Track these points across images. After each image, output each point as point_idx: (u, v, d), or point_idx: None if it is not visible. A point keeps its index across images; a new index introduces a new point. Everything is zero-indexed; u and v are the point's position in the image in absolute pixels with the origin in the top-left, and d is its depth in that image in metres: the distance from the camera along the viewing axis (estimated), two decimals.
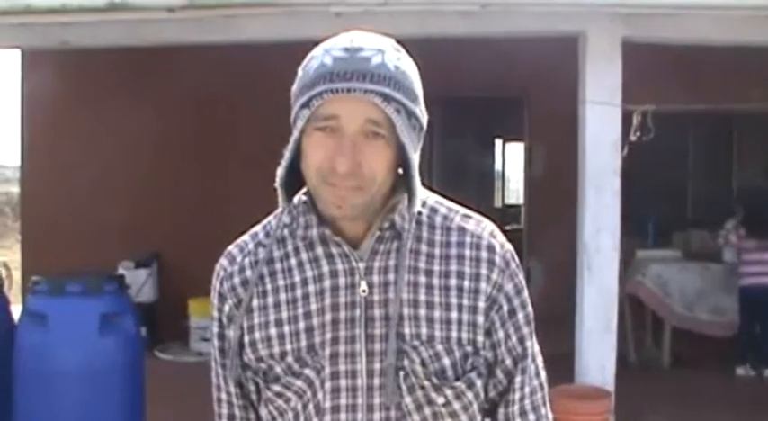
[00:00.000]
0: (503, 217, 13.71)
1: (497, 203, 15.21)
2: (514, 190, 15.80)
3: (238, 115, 8.94)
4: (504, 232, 1.78)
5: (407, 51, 1.60)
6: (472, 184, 12.79)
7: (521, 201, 11.89)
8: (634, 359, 8.23)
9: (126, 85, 8.99)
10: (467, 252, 1.65)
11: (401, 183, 1.62)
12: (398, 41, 1.60)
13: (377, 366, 1.60)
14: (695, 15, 5.58)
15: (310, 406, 1.62)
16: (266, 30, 5.57)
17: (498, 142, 14.47)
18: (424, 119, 1.60)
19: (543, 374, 1.73)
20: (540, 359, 1.73)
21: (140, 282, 8.50)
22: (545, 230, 8.86)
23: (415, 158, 1.56)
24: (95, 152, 9.10)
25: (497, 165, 14.91)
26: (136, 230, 8.92)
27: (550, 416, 1.74)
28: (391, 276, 1.61)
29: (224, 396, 1.76)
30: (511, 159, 14.74)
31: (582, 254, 5.74)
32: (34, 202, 9.36)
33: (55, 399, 4.67)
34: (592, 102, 5.61)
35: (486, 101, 9.82)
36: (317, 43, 1.59)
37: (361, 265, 1.61)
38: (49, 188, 9.22)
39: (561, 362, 5.90)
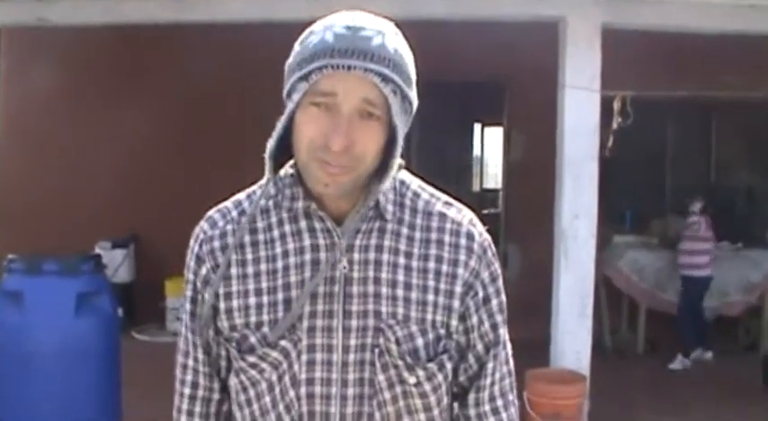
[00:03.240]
0: (481, 201, 13.73)
1: (476, 188, 15.22)
2: (493, 174, 15.83)
3: (221, 99, 8.89)
4: (482, 216, 1.80)
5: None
6: (451, 168, 12.78)
7: (499, 185, 11.90)
8: (609, 344, 8.28)
9: (108, 65, 8.93)
10: (446, 238, 1.67)
11: (384, 163, 1.62)
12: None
13: (353, 342, 1.62)
14: (676, 3, 5.61)
15: (286, 377, 1.63)
16: (248, 9, 5.54)
17: (477, 127, 14.46)
18: (415, 102, 1.61)
19: (512, 361, 1.77)
20: (509, 346, 1.76)
21: (117, 263, 8.47)
22: (523, 215, 8.89)
23: (401, 141, 1.57)
24: (74, 132, 9.05)
25: (476, 150, 14.91)
26: (113, 211, 8.88)
27: (516, 401, 1.78)
28: (371, 255, 1.63)
29: (190, 362, 1.75)
30: (490, 144, 14.74)
31: (559, 239, 5.77)
32: (10, 181, 9.28)
33: (30, 379, 4.65)
34: (571, 87, 5.62)
35: (465, 85, 9.81)
36: (299, 26, 1.59)
37: (343, 242, 1.61)
38: (25, 167, 9.15)
39: (538, 347, 5.96)
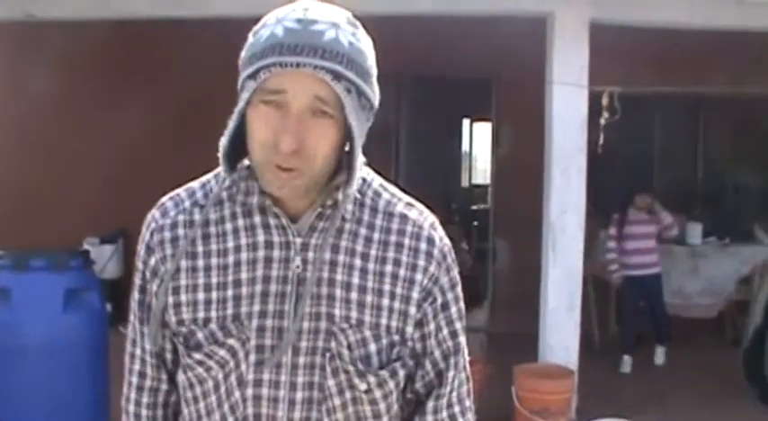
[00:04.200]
0: (470, 196, 13.75)
1: (464, 183, 15.23)
2: (482, 170, 15.84)
3: (212, 95, 8.86)
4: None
5: (367, 28, 1.54)
6: (439, 164, 12.80)
7: (488, 181, 11.91)
8: (597, 339, 8.30)
9: (98, 61, 8.90)
10: (406, 241, 1.61)
11: (345, 162, 1.56)
12: (358, 18, 1.54)
13: (303, 344, 1.57)
14: None
15: (232, 377, 1.59)
16: (237, 5, 5.54)
17: (466, 122, 14.47)
18: (376, 99, 1.54)
19: (468, 367, 1.74)
20: (466, 352, 1.72)
21: (105, 259, 8.45)
22: (511, 210, 8.90)
23: (360, 140, 1.51)
24: (62, 127, 9.01)
25: (465, 145, 14.92)
26: (102, 207, 8.85)
27: (473, 406, 1.75)
28: (327, 255, 1.57)
29: (138, 352, 1.71)
30: (478, 139, 14.75)
31: (547, 234, 5.79)
32: None
33: (18, 374, 4.64)
34: (559, 82, 5.64)
35: (454, 81, 9.81)
36: None
37: (298, 240, 1.57)
38: (13, 163, 9.12)
39: (526, 341, 5.98)
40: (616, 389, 6.87)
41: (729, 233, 8.70)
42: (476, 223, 11.70)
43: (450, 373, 1.68)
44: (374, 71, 1.53)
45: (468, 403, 1.73)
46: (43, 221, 8.62)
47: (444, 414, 1.69)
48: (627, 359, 7.71)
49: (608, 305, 8.64)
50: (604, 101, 6.00)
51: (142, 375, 1.72)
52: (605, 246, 7.76)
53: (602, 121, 5.97)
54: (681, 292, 8.36)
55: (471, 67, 8.86)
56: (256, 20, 1.54)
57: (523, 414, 5.45)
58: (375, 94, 1.54)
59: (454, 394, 1.70)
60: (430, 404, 1.69)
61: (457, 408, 1.71)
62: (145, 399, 1.73)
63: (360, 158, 1.53)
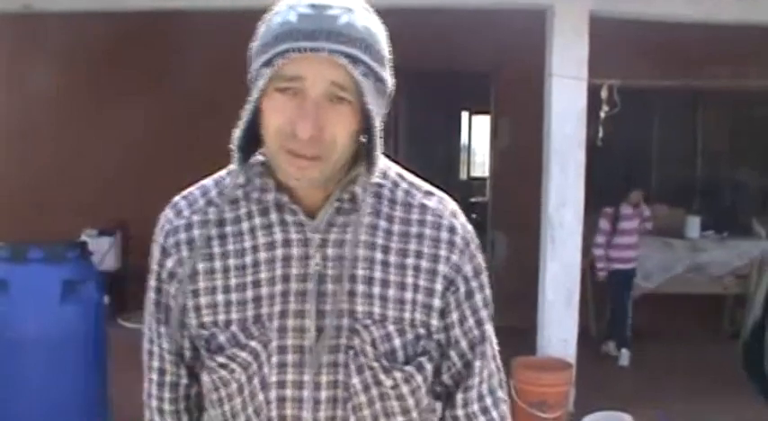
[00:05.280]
0: (468, 189, 13.75)
1: (463, 176, 15.23)
2: (480, 163, 15.84)
3: (211, 88, 8.85)
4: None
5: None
6: (438, 156, 12.80)
7: (486, 173, 11.91)
8: (595, 332, 8.31)
9: (97, 54, 8.88)
10: (427, 231, 1.58)
11: (363, 152, 1.53)
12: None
13: (326, 343, 1.53)
14: None
15: (256, 379, 1.56)
16: None
17: (465, 115, 14.47)
18: (391, 84, 1.52)
19: (498, 357, 1.69)
20: (495, 341, 1.68)
21: (104, 250, 8.43)
22: (510, 203, 8.89)
23: (379, 126, 1.47)
24: (61, 120, 9.00)
25: (464, 138, 14.92)
26: (100, 198, 8.84)
27: (506, 398, 1.70)
28: (347, 250, 1.53)
29: (156, 349, 1.68)
30: (477, 132, 14.75)
31: (545, 227, 5.79)
32: None
33: (16, 367, 4.64)
34: (558, 75, 5.63)
35: (453, 73, 9.80)
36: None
37: (317, 237, 1.53)
38: (11, 155, 9.11)
39: (524, 335, 5.98)
40: (614, 382, 6.87)
41: (727, 227, 8.70)
42: (474, 216, 11.71)
43: (478, 363, 1.64)
44: (388, 56, 1.50)
45: (500, 394, 1.68)
46: (42, 213, 8.61)
47: (476, 406, 1.65)
48: (625, 352, 7.71)
49: (605, 298, 8.64)
50: (603, 94, 5.98)
51: (162, 372, 1.69)
52: (594, 241, 7.72)
53: (602, 114, 5.96)
54: (675, 277, 8.37)
55: (471, 61, 8.85)
56: (257, 11, 1.53)
57: (522, 406, 5.46)
58: (390, 79, 1.51)
59: (484, 385, 1.65)
60: (459, 396, 1.65)
61: (489, 400, 1.66)
62: (167, 394, 1.71)
63: (379, 146, 1.49)
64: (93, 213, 8.72)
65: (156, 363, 1.69)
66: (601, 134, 5.89)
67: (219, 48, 8.51)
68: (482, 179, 13.97)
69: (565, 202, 5.72)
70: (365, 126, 1.47)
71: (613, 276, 7.80)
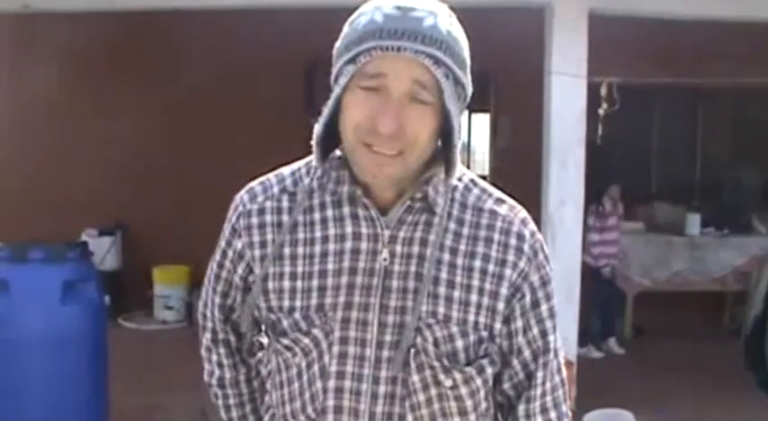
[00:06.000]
0: None
1: None
2: (480, 161, 15.83)
3: (211, 89, 8.86)
4: None
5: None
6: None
7: (486, 172, 11.91)
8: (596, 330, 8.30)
9: (97, 53, 8.88)
10: (495, 236, 1.59)
11: (437, 155, 1.55)
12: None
13: (387, 338, 1.55)
14: None
15: (315, 367, 1.58)
16: None
17: (464, 113, 14.47)
18: (470, 90, 1.55)
19: (564, 370, 1.69)
20: (561, 354, 1.68)
21: (104, 251, 8.44)
22: None
23: (458, 127, 1.50)
24: (61, 119, 9.00)
25: (463, 136, 14.92)
26: (100, 199, 8.85)
27: (570, 413, 1.70)
28: (415, 248, 1.55)
29: (208, 313, 1.80)
30: (477, 130, 14.75)
31: (545, 226, 5.77)
32: None
33: (16, 367, 4.64)
34: (557, 73, 5.62)
35: None
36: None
37: (386, 233, 1.55)
38: (12, 154, 9.11)
39: None
40: (615, 380, 6.86)
41: (728, 224, 8.70)
42: None
43: (540, 374, 1.64)
44: (469, 62, 1.53)
45: (564, 408, 1.68)
46: (42, 214, 8.61)
47: (540, 419, 1.65)
48: (613, 340, 7.84)
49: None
50: (603, 92, 5.98)
51: (214, 332, 1.81)
52: (589, 239, 7.67)
53: (601, 112, 5.96)
54: (676, 274, 8.36)
55: (470, 59, 8.84)
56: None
57: None
58: (469, 85, 1.54)
59: (548, 398, 1.65)
60: (521, 407, 1.65)
61: (553, 414, 1.66)
62: (222, 350, 1.82)
63: (459, 147, 1.52)
64: (93, 213, 8.72)
65: (209, 324, 1.82)
66: (600, 132, 5.88)
67: (220, 48, 8.56)
68: (481, 177, 13.94)
69: (565, 201, 5.71)
70: (444, 127, 1.49)
71: (600, 273, 7.80)
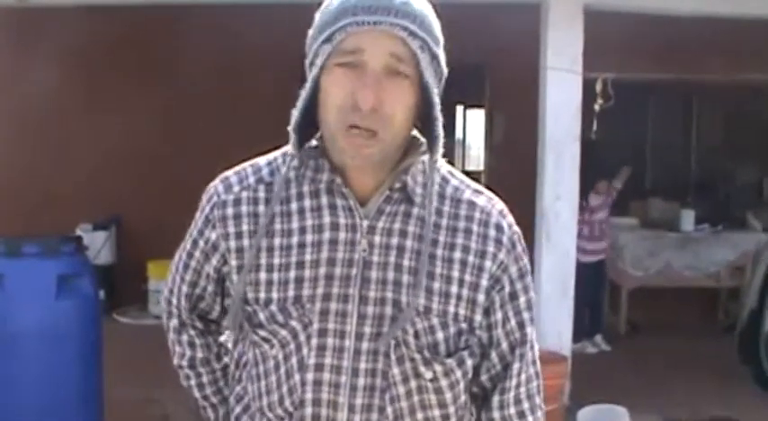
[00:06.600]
0: None
1: (458, 169, 15.23)
2: (475, 156, 15.82)
3: (207, 82, 8.85)
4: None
5: None
6: None
7: (481, 167, 11.90)
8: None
9: (92, 47, 8.85)
10: (474, 227, 1.59)
11: (415, 142, 1.57)
12: None
13: (367, 330, 1.53)
14: None
15: (293, 359, 1.56)
16: None
17: (459, 109, 14.45)
18: (445, 68, 1.56)
19: (538, 363, 1.69)
20: (536, 347, 1.68)
21: (98, 245, 8.43)
22: (505, 197, 8.84)
23: (438, 100, 1.50)
24: (55, 113, 8.98)
25: (458, 132, 14.90)
26: (95, 193, 8.84)
27: (543, 405, 1.70)
28: (394, 240, 1.54)
29: (174, 301, 1.78)
30: (472, 126, 14.75)
31: (540, 220, 5.79)
32: None
33: (10, 361, 4.63)
34: (552, 68, 5.62)
35: (447, 67, 9.78)
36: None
37: (365, 223, 1.54)
38: (5, 148, 9.09)
39: None
40: (609, 375, 6.88)
41: (722, 220, 8.71)
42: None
43: (516, 365, 1.64)
44: (442, 41, 1.54)
45: (537, 400, 1.68)
46: (36, 208, 8.60)
47: (512, 410, 1.65)
48: (599, 337, 7.85)
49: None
50: (598, 87, 5.99)
51: (180, 318, 1.79)
52: (581, 234, 7.64)
53: (596, 108, 5.97)
54: (668, 267, 8.37)
55: (465, 54, 8.81)
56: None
57: None
58: (444, 62, 1.55)
59: (522, 389, 1.65)
60: (496, 398, 1.65)
61: (526, 405, 1.66)
62: (192, 331, 1.80)
63: (441, 120, 1.52)
64: (88, 208, 8.71)
65: (174, 311, 1.80)
66: (594, 127, 5.89)
67: (218, 45, 8.54)
68: (477, 173, 13.93)
69: (560, 196, 5.72)
70: (424, 103, 1.50)
71: (586, 269, 7.74)
